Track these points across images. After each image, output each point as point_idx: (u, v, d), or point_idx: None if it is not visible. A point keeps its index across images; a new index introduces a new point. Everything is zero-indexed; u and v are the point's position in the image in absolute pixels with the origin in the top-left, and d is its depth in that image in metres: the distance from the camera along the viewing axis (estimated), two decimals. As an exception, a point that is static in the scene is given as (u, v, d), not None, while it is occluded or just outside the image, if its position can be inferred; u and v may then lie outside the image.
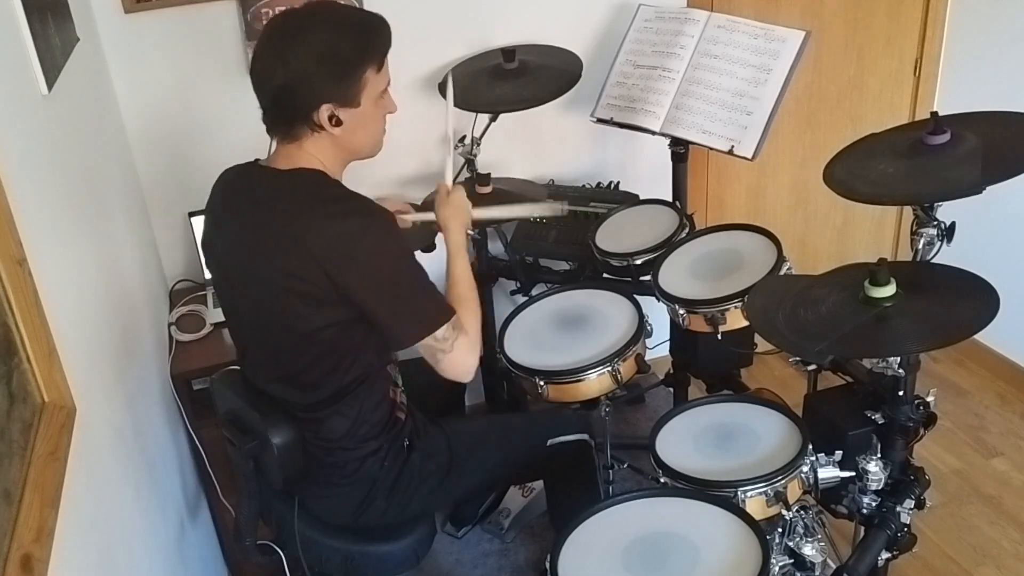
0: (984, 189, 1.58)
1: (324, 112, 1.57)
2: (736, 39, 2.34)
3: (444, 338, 1.64)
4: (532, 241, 2.61)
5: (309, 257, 1.55)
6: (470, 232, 1.88)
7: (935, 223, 1.73)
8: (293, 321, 1.62)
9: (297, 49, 1.54)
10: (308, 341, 1.65)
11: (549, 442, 1.98)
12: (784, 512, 1.73)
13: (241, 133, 1.66)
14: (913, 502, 1.85)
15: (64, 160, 1.67)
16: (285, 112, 1.59)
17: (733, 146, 2.25)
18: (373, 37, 1.60)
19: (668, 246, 2.24)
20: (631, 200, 2.57)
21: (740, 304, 1.98)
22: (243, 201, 1.69)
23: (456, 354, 1.66)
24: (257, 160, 1.72)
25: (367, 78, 1.59)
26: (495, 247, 2.73)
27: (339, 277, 1.55)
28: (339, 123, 1.59)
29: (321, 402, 1.72)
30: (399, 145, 2.68)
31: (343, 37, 1.57)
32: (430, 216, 1.95)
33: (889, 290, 1.58)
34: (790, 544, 1.74)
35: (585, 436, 2.02)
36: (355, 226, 1.56)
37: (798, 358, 1.99)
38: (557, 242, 2.58)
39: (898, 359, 1.78)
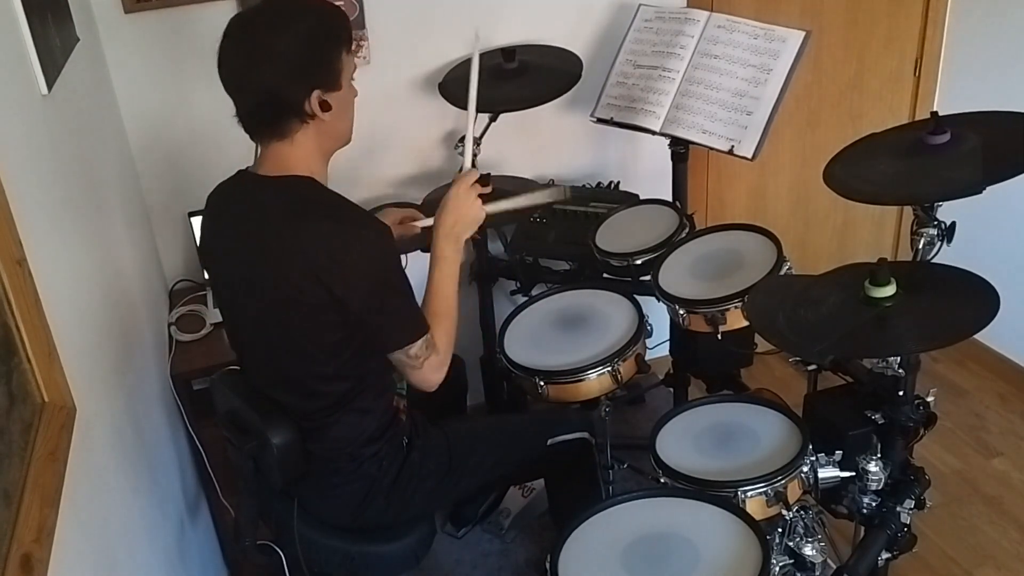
0: (984, 189, 1.58)
1: (315, 99, 1.58)
2: (736, 39, 2.34)
3: (415, 355, 1.67)
4: (532, 241, 2.61)
5: (306, 266, 1.56)
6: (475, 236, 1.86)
7: (935, 223, 1.73)
8: (293, 331, 1.63)
9: (283, 40, 1.55)
10: (308, 349, 1.65)
11: (549, 441, 1.98)
12: (784, 512, 1.73)
13: (240, 133, 1.66)
14: (913, 502, 1.85)
15: (64, 160, 1.67)
16: (277, 107, 1.59)
17: (733, 146, 2.25)
18: (340, 20, 1.64)
19: (668, 246, 2.24)
20: (631, 200, 2.56)
21: (740, 304, 1.97)
22: (238, 212, 1.69)
23: (424, 371, 1.70)
24: (247, 168, 1.71)
25: (343, 60, 1.62)
26: (495, 247, 2.73)
27: (333, 285, 1.56)
28: (328, 108, 1.61)
29: (323, 409, 1.72)
30: (398, 145, 2.69)
31: (317, 23, 1.59)
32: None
33: (889, 290, 1.57)
34: (790, 544, 1.74)
35: (585, 434, 2.02)
36: (348, 235, 1.57)
37: (798, 358, 1.99)
38: (557, 242, 2.57)
39: (898, 359, 1.78)
